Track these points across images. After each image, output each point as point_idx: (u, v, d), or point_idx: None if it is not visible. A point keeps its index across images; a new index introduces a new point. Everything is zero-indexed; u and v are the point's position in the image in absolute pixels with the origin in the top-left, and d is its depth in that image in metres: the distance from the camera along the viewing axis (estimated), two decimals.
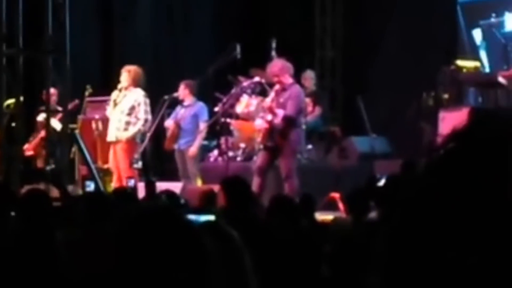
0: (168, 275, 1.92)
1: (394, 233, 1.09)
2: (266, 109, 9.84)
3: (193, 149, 11.06)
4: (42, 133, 10.34)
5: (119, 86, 10.43)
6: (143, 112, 10.39)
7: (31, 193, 5.06)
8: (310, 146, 11.68)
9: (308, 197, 6.79)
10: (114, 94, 10.44)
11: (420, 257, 1.06)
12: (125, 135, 10.37)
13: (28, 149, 10.68)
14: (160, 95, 11.36)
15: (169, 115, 11.44)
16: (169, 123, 11.23)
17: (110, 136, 10.46)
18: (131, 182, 10.16)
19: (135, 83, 10.40)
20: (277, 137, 9.62)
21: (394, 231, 1.09)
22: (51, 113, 9.87)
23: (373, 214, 5.79)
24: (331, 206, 9.64)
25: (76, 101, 10.76)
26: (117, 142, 10.40)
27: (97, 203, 4.75)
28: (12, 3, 9.45)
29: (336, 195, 9.77)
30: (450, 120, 10.98)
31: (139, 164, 10.63)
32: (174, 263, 1.93)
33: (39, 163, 10.42)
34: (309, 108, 11.75)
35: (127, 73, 10.41)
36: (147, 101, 10.46)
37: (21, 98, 9.57)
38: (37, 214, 4.53)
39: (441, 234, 1.05)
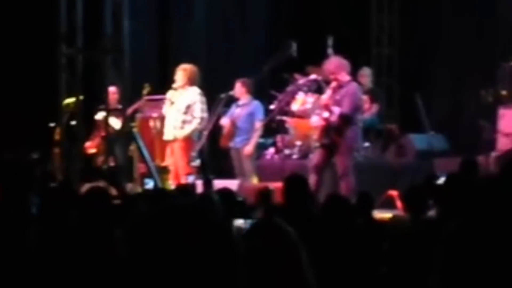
0: (192, 273, 1.89)
1: (459, 235, 1.10)
2: (322, 106, 9.83)
3: (248, 148, 11.10)
4: (102, 132, 10.48)
5: (175, 85, 10.52)
6: (199, 110, 10.47)
7: (91, 191, 5.15)
8: (367, 144, 11.63)
9: (366, 195, 6.77)
10: (170, 93, 10.54)
11: (482, 261, 1.06)
12: (182, 133, 10.46)
13: (90, 147, 10.83)
14: (216, 93, 11.42)
15: (225, 113, 11.50)
16: (225, 121, 11.29)
17: (167, 135, 10.56)
18: (190, 179, 10.26)
19: (191, 82, 10.48)
20: (334, 134, 9.59)
21: (460, 232, 1.10)
22: (110, 111, 10.00)
23: (431, 212, 5.76)
24: (389, 204, 9.60)
25: (135, 105, 10.87)
26: (174, 140, 10.49)
27: (159, 200, 4.81)
28: (71, 3, 9.59)
29: (394, 193, 9.72)
30: (510, 117, 10.85)
31: (197, 162, 10.71)
32: (197, 262, 1.91)
33: (100, 161, 10.57)
34: (366, 106, 11.70)
35: (182, 72, 10.49)
36: (203, 99, 10.54)
37: (81, 97, 9.71)
38: (97, 212, 4.60)
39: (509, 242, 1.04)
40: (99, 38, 9.77)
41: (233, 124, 11.24)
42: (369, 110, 11.97)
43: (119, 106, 10.14)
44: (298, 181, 5.61)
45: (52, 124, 10.60)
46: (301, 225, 3.78)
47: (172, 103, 10.52)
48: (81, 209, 4.85)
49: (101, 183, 8.71)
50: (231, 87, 11.38)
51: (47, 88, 10.29)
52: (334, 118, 9.54)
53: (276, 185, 8.28)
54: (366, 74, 12.29)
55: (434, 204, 5.72)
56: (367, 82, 12.22)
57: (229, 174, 11.36)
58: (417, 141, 11.73)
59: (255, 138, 11.19)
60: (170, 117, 10.55)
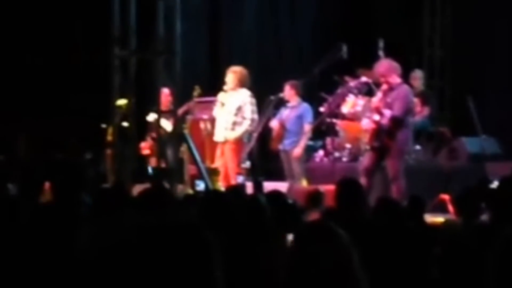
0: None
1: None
2: (373, 109, 9.79)
3: (297, 150, 11.10)
4: (154, 133, 10.57)
5: (225, 87, 10.56)
6: (250, 112, 10.50)
7: (151, 190, 5.18)
8: (418, 147, 11.55)
9: (417, 199, 6.73)
10: (221, 96, 10.59)
11: None
12: (233, 135, 10.50)
13: (144, 148, 10.93)
14: (265, 95, 11.44)
15: (275, 115, 11.51)
16: (274, 123, 11.31)
17: (218, 136, 10.61)
18: (240, 179, 10.30)
19: (241, 84, 10.52)
20: (384, 137, 9.55)
21: None
22: (161, 113, 10.08)
23: (484, 217, 5.70)
24: (440, 208, 9.53)
25: (185, 107, 10.95)
26: (224, 142, 10.53)
27: (214, 201, 4.85)
28: (124, 6, 9.69)
29: (445, 196, 9.64)
30: None
31: (247, 164, 10.74)
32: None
33: (152, 162, 10.65)
34: (418, 108, 11.61)
35: (232, 74, 10.54)
36: (253, 101, 10.56)
37: (133, 99, 9.80)
38: (155, 212, 4.63)
39: None
40: (152, 40, 9.85)
41: (282, 126, 11.25)
42: (421, 112, 11.88)
43: (171, 108, 10.21)
44: (352, 185, 5.60)
45: (104, 125, 10.72)
46: (353, 228, 3.78)
47: (222, 105, 10.57)
48: (139, 208, 4.89)
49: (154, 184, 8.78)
50: (281, 89, 11.39)
51: (100, 89, 10.41)
52: (385, 121, 9.50)
53: (326, 188, 8.27)
54: (417, 76, 12.21)
55: (487, 208, 5.67)
56: (419, 84, 12.13)
57: (278, 176, 11.37)
58: (469, 144, 11.62)
59: (304, 141, 11.18)
60: (220, 119, 10.60)
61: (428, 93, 12.36)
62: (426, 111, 12.03)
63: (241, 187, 9.33)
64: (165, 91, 10.25)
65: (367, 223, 5.28)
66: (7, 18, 11.74)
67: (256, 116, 10.63)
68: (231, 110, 10.52)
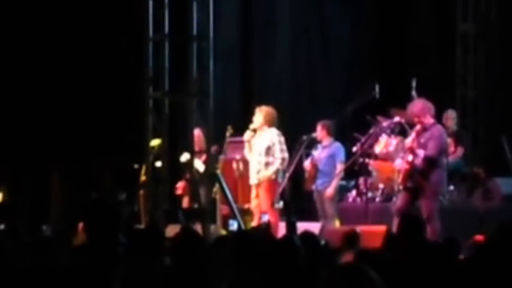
0: None
1: None
2: (406, 149, 9.74)
3: (330, 190, 11.07)
4: (187, 174, 10.59)
5: (251, 126, 10.57)
6: (279, 150, 10.50)
7: (184, 234, 5.18)
8: (452, 187, 11.47)
9: (453, 240, 6.66)
10: (247, 135, 10.60)
11: None
12: (266, 174, 10.49)
13: (179, 188, 10.96)
14: (298, 134, 11.44)
15: (307, 155, 11.50)
16: (307, 163, 11.30)
17: (252, 179, 10.61)
18: (265, 218, 10.28)
19: (268, 123, 10.53)
20: (418, 178, 9.49)
21: None
22: (194, 153, 10.11)
23: None
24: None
25: (216, 147, 11.00)
26: (259, 183, 10.52)
27: (244, 242, 4.83)
28: (158, 47, 9.78)
29: (480, 237, 9.53)
30: None
31: (280, 204, 10.72)
32: None
33: (185, 203, 10.66)
34: (451, 149, 11.55)
35: (259, 113, 10.56)
36: (282, 139, 10.56)
37: (166, 139, 9.85)
38: (190, 255, 4.63)
39: None
40: (185, 81, 9.93)
41: (315, 166, 11.23)
42: (454, 153, 11.80)
43: (203, 148, 10.25)
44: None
45: (137, 165, 10.77)
46: (385, 269, 3.75)
47: (250, 148, 10.57)
48: (174, 251, 4.89)
49: (186, 224, 8.79)
50: (314, 129, 11.39)
51: (134, 130, 10.47)
52: (419, 161, 9.44)
53: (360, 228, 8.21)
54: (451, 116, 12.15)
55: None
56: (452, 124, 12.07)
57: (312, 216, 11.32)
58: (504, 185, 11.51)
59: (336, 180, 11.15)
60: (253, 161, 10.60)
61: (462, 133, 12.29)
62: (459, 151, 11.95)
63: (265, 226, 9.32)
64: (198, 132, 10.30)
65: (401, 263, 5.24)
66: (44, 57, 11.90)
67: (286, 155, 10.63)
68: (261, 151, 10.52)
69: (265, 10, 13.82)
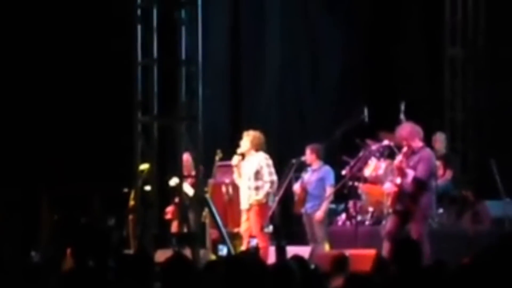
0: None
1: None
2: (395, 168, 9.74)
3: (319, 214, 11.07)
4: (176, 198, 10.57)
5: (239, 150, 10.58)
6: (268, 174, 10.50)
7: (174, 259, 5.16)
8: (441, 210, 11.48)
9: (441, 263, 6.65)
10: (235, 159, 10.60)
11: None
12: (257, 198, 10.48)
13: (168, 213, 10.92)
14: (287, 158, 11.45)
15: (297, 178, 11.51)
16: (296, 187, 11.30)
17: (243, 205, 10.59)
18: (253, 242, 10.26)
19: (255, 147, 10.54)
20: (407, 201, 9.50)
21: None
22: (183, 178, 10.09)
23: None
24: None
25: (201, 169, 10.99)
26: (249, 208, 10.51)
27: (235, 267, 4.81)
28: (147, 72, 9.79)
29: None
30: None
31: (270, 228, 10.70)
32: None
33: (174, 227, 10.62)
34: (440, 171, 11.56)
35: (246, 138, 10.59)
36: (270, 162, 10.57)
37: (155, 163, 9.83)
38: (180, 281, 4.62)
39: None
40: (174, 105, 9.92)
41: (304, 189, 11.24)
42: (443, 176, 11.82)
43: (192, 172, 10.23)
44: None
45: (126, 189, 10.74)
46: None
47: (239, 174, 10.57)
48: (165, 277, 4.87)
49: (175, 249, 8.76)
50: (303, 152, 11.40)
51: (123, 154, 10.45)
52: (408, 182, 9.43)
53: (349, 252, 8.19)
54: (440, 139, 12.18)
55: None
56: (441, 147, 12.10)
57: (301, 240, 11.30)
58: (493, 208, 11.54)
59: (326, 204, 11.16)
60: (243, 187, 10.60)
61: (450, 156, 12.32)
62: (448, 174, 11.97)
63: (253, 251, 9.30)
64: (187, 156, 10.28)
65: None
66: (33, 81, 11.89)
67: (275, 178, 10.63)
68: (250, 176, 10.53)
69: (255, 34, 13.85)
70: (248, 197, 10.49)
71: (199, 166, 10.09)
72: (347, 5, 14.13)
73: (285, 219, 12.13)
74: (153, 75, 9.78)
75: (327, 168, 11.32)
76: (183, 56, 9.91)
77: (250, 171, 10.51)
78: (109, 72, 11.66)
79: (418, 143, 9.71)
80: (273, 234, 10.87)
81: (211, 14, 12.04)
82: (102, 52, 11.76)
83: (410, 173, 9.45)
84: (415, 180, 9.44)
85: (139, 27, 9.76)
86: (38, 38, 11.83)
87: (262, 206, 10.47)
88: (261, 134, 10.63)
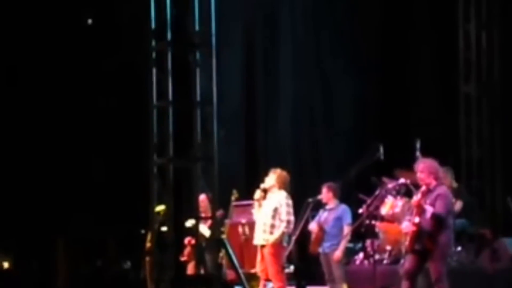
0: None
1: None
2: (414, 206, 9.67)
3: (338, 253, 11.01)
4: (192, 240, 10.54)
5: (262, 185, 10.56)
6: (285, 213, 10.46)
7: None
8: (459, 248, 11.39)
9: None
10: (257, 194, 10.58)
11: None
12: (271, 238, 10.43)
13: (183, 255, 10.89)
14: (303, 198, 11.42)
15: (313, 217, 11.46)
16: (313, 226, 11.25)
17: (257, 239, 10.54)
18: (269, 286, 10.19)
19: (279, 185, 10.53)
20: (426, 240, 9.42)
21: None
22: (199, 219, 10.08)
23: None
24: None
25: (221, 211, 10.98)
26: (263, 245, 10.46)
27: None
28: (162, 114, 9.84)
29: None
30: None
31: (291, 269, 10.64)
32: None
33: (190, 269, 10.59)
34: None
35: (273, 175, 10.57)
36: (290, 202, 10.54)
37: (171, 205, 9.83)
38: None
39: None
40: (189, 146, 9.95)
41: (321, 229, 11.18)
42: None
43: (208, 214, 10.22)
44: None
45: (143, 231, 10.74)
46: None
47: (260, 205, 10.55)
48: None
49: None
50: (319, 191, 11.38)
51: (139, 196, 10.47)
52: (426, 219, 9.35)
53: None
54: (445, 175, 12.07)
55: None
56: (450, 183, 12.01)
57: (319, 280, 11.23)
58: (511, 245, 11.43)
59: (344, 243, 11.09)
60: (259, 221, 10.56)
61: (459, 188, 12.18)
62: (458, 204, 11.82)
63: None
64: (203, 197, 10.28)
65: None
66: (52, 125, 11.98)
67: (292, 218, 10.59)
68: (268, 212, 10.49)
69: (268, 75, 13.92)
70: (263, 232, 10.44)
71: (215, 207, 10.07)
72: (359, 44, 14.20)
73: (303, 259, 12.08)
74: (168, 117, 9.82)
75: (344, 207, 11.27)
76: (198, 98, 9.96)
77: (269, 208, 10.48)
78: (124, 115, 11.73)
79: (432, 181, 9.66)
80: (294, 275, 10.81)
81: (224, 55, 12.12)
82: (117, 95, 11.85)
83: (429, 210, 9.39)
84: (434, 216, 9.38)
85: (154, 70, 9.82)
86: (56, 83, 11.94)
87: (276, 247, 10.41)
88: (287, 174, 10.64)
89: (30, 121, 11.96)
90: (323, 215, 11.28)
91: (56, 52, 12.10)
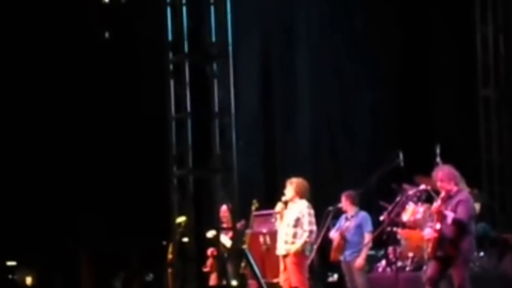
0: None
1: None
2: (434, 212, 9.62)
3: (359, 261, 10.98)
4: (215, 251, 10.54)
5: (283, 198, 10.54)
6: (307, 223, 10.42)
7: None
8: (482, 253, 11.32)
9: None
10: (278, 207, 10.56)
11: None
12: (293, 248, 10.41)
13: (206, 266, 10.89)
14: (324, 206, 11.39)
15: (334, 225, 11.43)
16: (334, 234, 11.22)
17: (280, 250, 10.53)
18: None
19: (299, 195, 10.49)
20: (448, 246, 9.37)
21: None
22: (220, 230, 10.08)
23: None
24: None
25: (242, 222, 10.96)
26: (286, 255, 10.44)
27: None
28: (181, 126, 9.86)
29: None
30: None
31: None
32: None
33: (213, 280, 10.59)
34: None
35: (290, 186, 10.53)
36: (312, 211, 10.51)
37: (192, 216, 9.84)
38: None
39: None
40: (208, 157, 9.96)
41: (343, 237, 11.15)
42: None
43: (229, 224, 10.22)
44: None
45: (164, 242, 10.75)
46: None
47: (281, 217, 10.53)
48: None
49: None
50: (338, 199, 11.35)
51: (159, 208, 10.49)
52: (448, 225, 9.30)
53: None
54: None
55: None
56: (464, 186, 11.92)
57: None
58: None
59: (365, 251, 11.06)
60: (281, 232, 10.54)
61: (476, 192, 12.09)
62: (477, 206, 11.74)
63: None
64: (223, 207, 10.28)
65: None
66: (73, 138, 12.05)
67: (314, 227, 10.55)
68: (290, 223, 10.47)
69: (286, 84, 13.92)
70: (284, 243, 10.41)
71: (235, 217, 10.07)
72: (377, 50, 14.17)
73: (323, 268, 12.06)
74: (187, 129, 9.84)
75: (364, 214, 11.24)
76: (216, 109, 9.97)
77: (291, 218, 10.45)
78: (143, 127, 11.77)
79: (453, 187, 9.61)
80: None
81: (241, 65, 12.12)
82: (136, 108, 11.90)
83: (450, 215, 9.35)
84: (456, 222, 9.33)
85: (171, 82, 9.85)
86: (77, 96, 12.00)
87: (299, 256, 10.37)
88: (304, 181, 10.58)
89: (55, 135, 12.03)
90: (344, 223, 11.25)
91: (74, 65, 12.17)
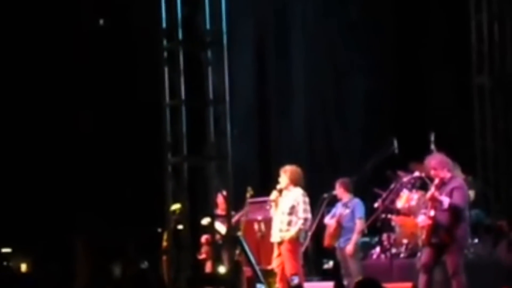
0: None
1: None
2: (428, 200, 9.65)
3: (350, 247, 11.04)
4: (209, 237, 10.55)
5: (278, 186, 10.55)
6: (302, 211, 10.45)
7: None
8: (476, 240, 11.36)
9: None
10: (273, 195, 10.57)
11: None
12: (288, 235, 10.43)
13: (201, 253, 10.91)
14: (318, 193, 11.42)
15: (328, 212, 11.46)
16: (329, 220, 11.25)
17: (274, 237, 10.55)
18: (295, 280, 10.18)
19: (294, 183, 10.50)
20: (442, 233, 9.41)
21: None
22: (215, 217, 10.09)
23: None
24: None
25: (242, 212, 10.96)
26: (281, 242, 10.46)
27: None
28: (175, 113, 9.85)
29: None
30: None
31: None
32: None
33: (208, 267, 10.61)
34: None
35: (284, 174, 10.54)
36: (306, 199, 10.52)
37: (187, 204, 9.85)
38: None
39: None
40: (203, 145, 9.96)
41: (339, 224, 11.18)
42: None
43: (224, 212, 10.23)
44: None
45: (160, 229, 10.77)
46: None
47: (276, 205, 10.54)
48: None
49: None
50: (334, 187, 11.37)
51: (154, 195, 10.50)
52: (444, 207, 9.32)
53: (386, 286, 8.11)
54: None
55: None
56: (459, 173, 11.95)
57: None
58: None
59: (356, 237, 11.12)
60: (276, 220, 10.57)
61: (470, 179, 12.10)
62: (471, 193, 11.76)
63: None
64: (219, 195, 10.29)
65: None
66: (67, 129, 12.04)
67: (309, 215, 10.58)
68: (285, 210, 10.49)
69: (280, 72, 13.91)
70: (279, 230, 10.44)
71: (230, 204, 10.08)
72: (372, 37, 14.16)
73: (318, 254, 12.09)
74: (181, 116, 9.84)
75: (356, 200, 11.28)
76: (211, 96, 9.97)
77: (286, 206, 10.47)
78: (137, 114, 11.76)
79: (446, 174, 9.64)
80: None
81: (236, 52, 12.10)
82: (130, 95, 11.88)
83: (446, 200, 9.37)
84: (452, 207, 9.35)
85: (166, 69, 9.84)
86: (69, 84, 11.99)
87: (293, 243, 10.40)
88: (298, 168, 10.59)
89: (47, 124, 12.02)
90: (339, 210, 11.28)
91: (69, 52, 12.14)
